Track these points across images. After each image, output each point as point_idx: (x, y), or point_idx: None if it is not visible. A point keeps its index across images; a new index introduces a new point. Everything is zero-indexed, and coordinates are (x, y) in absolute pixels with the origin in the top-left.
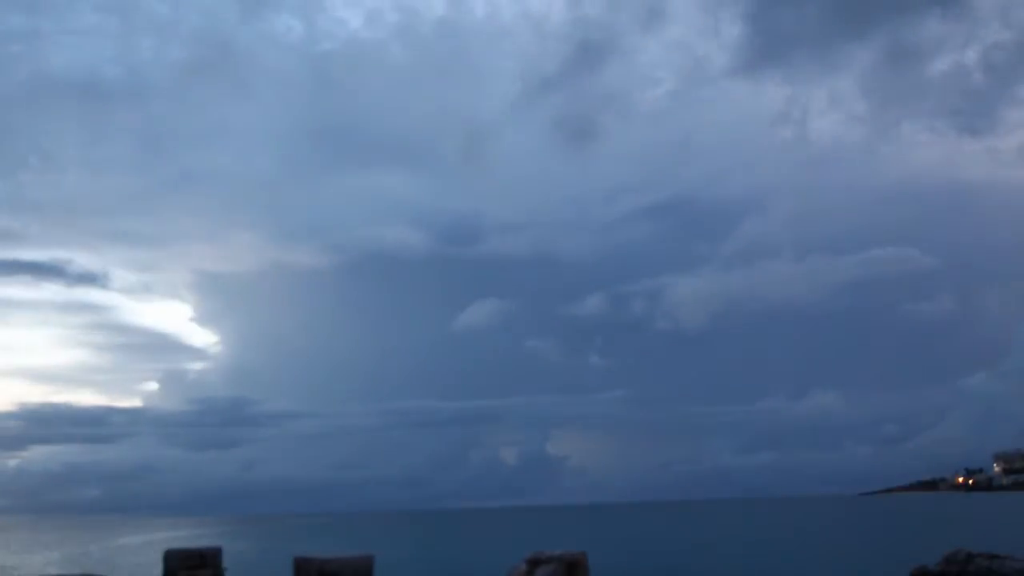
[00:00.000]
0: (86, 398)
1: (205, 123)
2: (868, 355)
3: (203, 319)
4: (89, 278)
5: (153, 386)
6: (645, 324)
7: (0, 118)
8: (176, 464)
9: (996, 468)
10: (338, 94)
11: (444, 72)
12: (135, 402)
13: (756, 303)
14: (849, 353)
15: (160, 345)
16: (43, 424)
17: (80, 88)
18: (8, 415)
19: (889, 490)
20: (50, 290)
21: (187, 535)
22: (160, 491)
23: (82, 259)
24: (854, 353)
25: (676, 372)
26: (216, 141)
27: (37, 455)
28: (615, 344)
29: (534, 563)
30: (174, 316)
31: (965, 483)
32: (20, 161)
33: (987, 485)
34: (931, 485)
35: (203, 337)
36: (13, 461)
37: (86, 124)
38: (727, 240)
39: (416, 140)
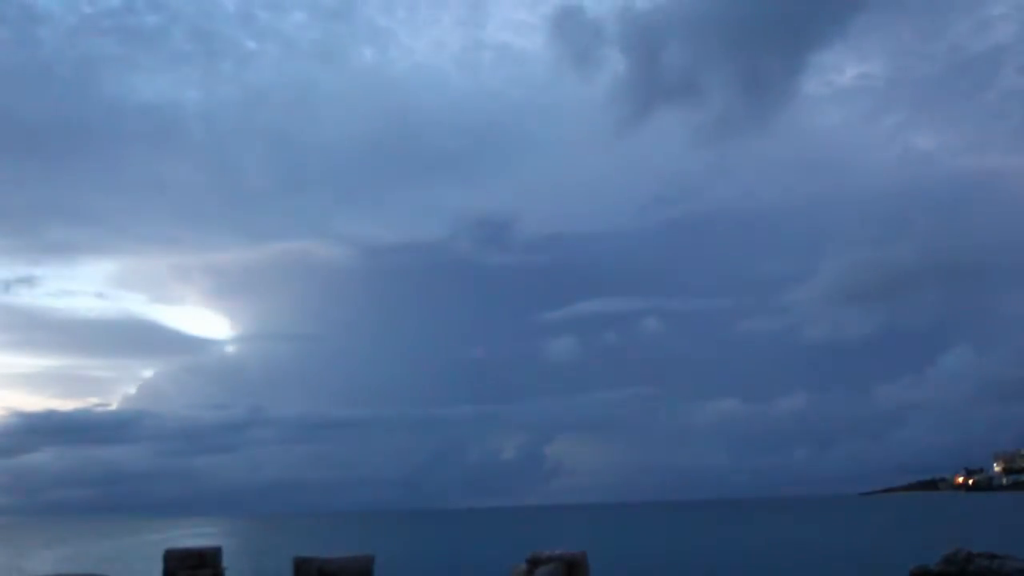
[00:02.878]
0: (94, 401)
1: (269, 142)
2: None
3: (224, 323)
4: (149, 298)
5: (161, 388)
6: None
7: (79, 137)
8: (179, 465)
9: (996, 468)
10: (400, 115)
11: (497, 95)
12: (141, 404)
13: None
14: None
15: (178, 348)
16: (51, 426)
17: (158, 110)
18: (18, 415)
19: (889, 490)
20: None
21: (187, 535)
22: (162, 492)
23: (133, 267)
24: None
25: (668, 372)
26: (277, 158)
27: (44, 457)
28: (603, 347)
29: (534, 563)
30: (199, 321)
31: (965, 483)
32: (88, 177)
33: (987, 485)
34: (931, 485)
35: (219, 340)
36: (20, 462)
37: (158, 143)
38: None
39: (467, 155)
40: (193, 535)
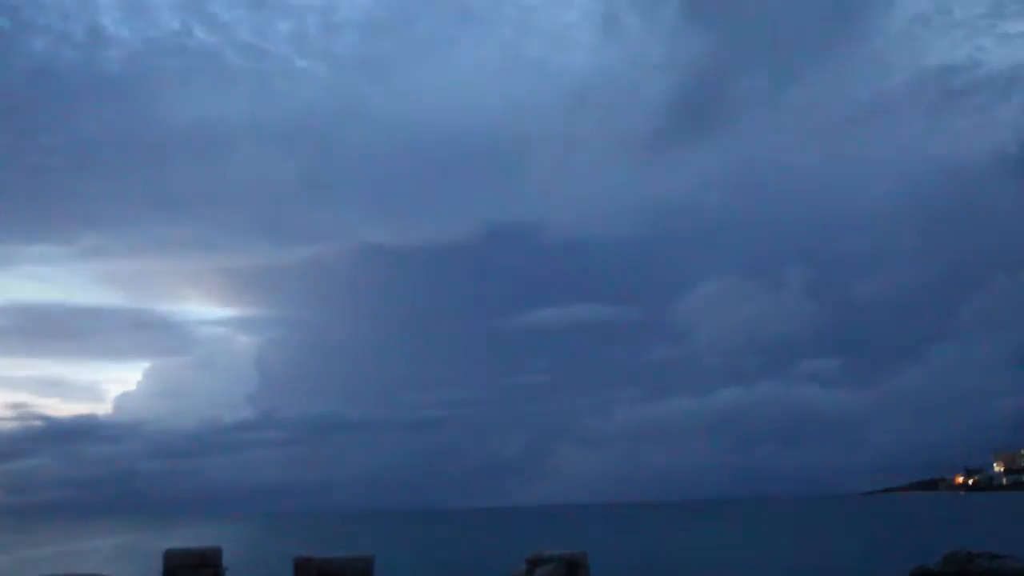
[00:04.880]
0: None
1: (309, 153)
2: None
3: (241, 324)
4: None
5: (169, 388)
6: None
7: (127, 151)
8: (182, 465)
9: (996, 468)
10: (436, 128)
11: (537, 109)
12: (148, 404)
13: None
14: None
15: (192, 349)
16: (59, 427)
17: (206, 125)
18: (26, 415)
19: (889, 490)
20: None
21: (188, 535)
22: (164, 491)
23: (159, 271)
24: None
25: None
26: (315, 166)
27: (47, 457)
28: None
29: (534, 563)
30: (217, 322)
31: (965, 483)
32: (129, 187)
33: (987, 485)
34: (931, 485)
35: (233, 341)
36: (23, 463)
37: (203, 156)
38: None
39: (495, 164)
40: (194, 535)
